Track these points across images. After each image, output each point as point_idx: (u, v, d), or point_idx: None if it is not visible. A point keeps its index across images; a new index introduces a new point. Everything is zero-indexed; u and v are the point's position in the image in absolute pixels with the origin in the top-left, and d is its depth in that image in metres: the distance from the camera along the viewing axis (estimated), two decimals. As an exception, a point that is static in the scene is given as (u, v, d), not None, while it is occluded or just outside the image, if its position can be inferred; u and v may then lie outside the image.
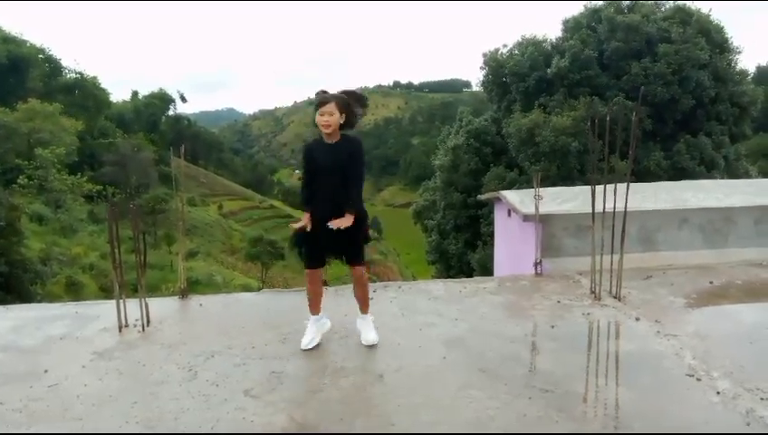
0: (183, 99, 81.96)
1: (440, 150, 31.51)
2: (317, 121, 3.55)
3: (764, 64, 55.73)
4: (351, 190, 3.60)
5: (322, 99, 3.55)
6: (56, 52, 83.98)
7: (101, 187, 38.84)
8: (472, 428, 2.81)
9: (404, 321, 4.26)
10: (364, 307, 3.87)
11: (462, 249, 27.53)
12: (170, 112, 76.00)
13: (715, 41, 25.02)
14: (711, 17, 26.01)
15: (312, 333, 3.80)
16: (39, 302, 14.77)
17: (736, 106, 25.40)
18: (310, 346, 3.73)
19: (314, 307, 3.84)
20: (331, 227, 3.46)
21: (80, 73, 58.16)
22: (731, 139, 25.79)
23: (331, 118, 3.52)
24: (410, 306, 4.53)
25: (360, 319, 3.89)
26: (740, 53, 26.10)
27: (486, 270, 19.72)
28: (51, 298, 19.69)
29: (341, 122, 3.59)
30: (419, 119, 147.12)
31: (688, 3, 26.63)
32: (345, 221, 3.49)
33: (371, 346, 3.76)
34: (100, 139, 52.01)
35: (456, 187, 28.12)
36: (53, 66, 58.18)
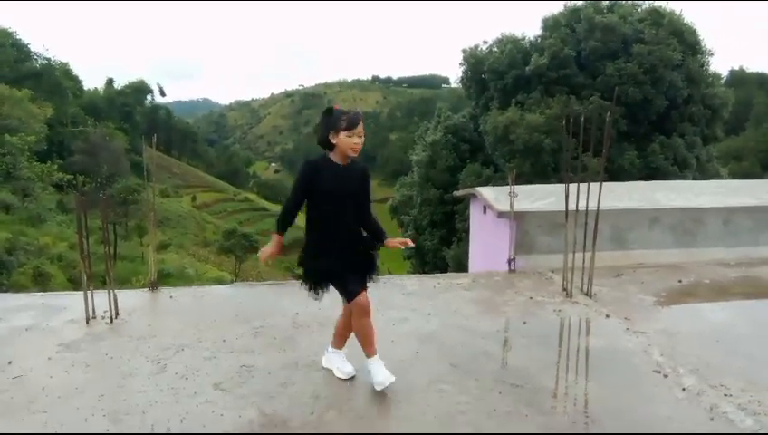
0: (162, 93, 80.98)
1: (418, 146, 31.64)
2: (345, 145, 2.99)
3: (737, 68, 56.87)
4: (371, 217, 3.29)
5: (354, 118, 2.98)
6: (24, 37, 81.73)
7: (71, 176, 38.04)
8: (442, 422, 2.81)
9: (378, 315, 4.19)
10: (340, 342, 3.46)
11: (437, 245, 27.73)
12: (147, 103, 74.78)
13: (687, 42, 25.49)
14: (683, 18, 26.49)
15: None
16: (4, 292, 14.43)
17: (708, 108, 25.97)
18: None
19: (373, 345, 3.25)
20: (399, 246, 3.36)
21: (47, 59, 56.92)
22: (703, 140, 26.39)
23: (360, 140, 3.02)
24: (384, 301, 4.52)
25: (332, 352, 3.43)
26: (712, 54, 26.69)
27: (461, 266, 19.86)
28: (17, 289, 19.21)
29: None
30: (398, 114, 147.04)
31: (663, 4, 27.10)
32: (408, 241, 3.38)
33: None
34: (70, 127, 50.92)
35: (432, 182, 28.28)
36: (21, 51, 56.73)
